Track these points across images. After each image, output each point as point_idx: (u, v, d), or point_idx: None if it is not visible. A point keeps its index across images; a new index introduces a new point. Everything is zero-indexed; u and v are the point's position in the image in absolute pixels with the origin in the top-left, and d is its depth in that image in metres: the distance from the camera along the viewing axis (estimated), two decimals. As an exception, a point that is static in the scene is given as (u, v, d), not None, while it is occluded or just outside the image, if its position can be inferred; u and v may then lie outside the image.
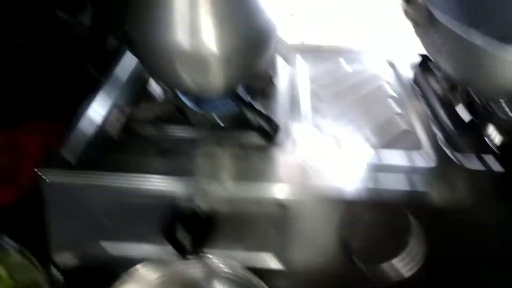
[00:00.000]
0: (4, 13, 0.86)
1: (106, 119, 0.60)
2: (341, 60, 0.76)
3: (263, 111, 0.60)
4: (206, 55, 0.50)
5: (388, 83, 0.71)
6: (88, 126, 0.59)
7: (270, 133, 0.58)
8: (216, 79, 0.54)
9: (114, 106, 0.62)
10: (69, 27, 0.88)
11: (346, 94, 0.68)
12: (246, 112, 0.59)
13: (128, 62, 0.72)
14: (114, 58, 0.89)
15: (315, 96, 0.67)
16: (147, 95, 0.65)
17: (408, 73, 0.73)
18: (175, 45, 0.49)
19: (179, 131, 0.59)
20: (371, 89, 0.69)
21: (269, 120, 0.58)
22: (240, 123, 0.59)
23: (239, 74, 0.56)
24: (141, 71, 0.68)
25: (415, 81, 0.72)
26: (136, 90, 0.66)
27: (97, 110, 0.61)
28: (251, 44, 0.53)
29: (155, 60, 0.54)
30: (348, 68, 0.74)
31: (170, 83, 0.59)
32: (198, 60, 0.50)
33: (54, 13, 0.86)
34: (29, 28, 0.89)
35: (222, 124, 0.59)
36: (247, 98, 0.62)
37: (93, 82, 0.93)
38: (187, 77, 0.53)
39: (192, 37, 0.49)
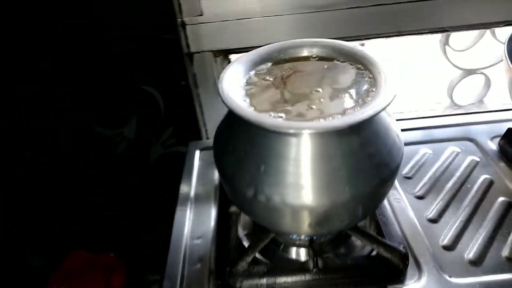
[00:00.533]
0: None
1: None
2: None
3: (386, 241, 0.53)
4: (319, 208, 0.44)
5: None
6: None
7: (397, 265, 0.51)
8: (333, 225, 0.48)
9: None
10: (110, 142, 0.81)
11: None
12: (367, 244, 0.53)
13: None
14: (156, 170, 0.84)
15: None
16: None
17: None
18: (295, 202, 0.43)
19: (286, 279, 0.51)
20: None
21: (395, 250, 0.52)
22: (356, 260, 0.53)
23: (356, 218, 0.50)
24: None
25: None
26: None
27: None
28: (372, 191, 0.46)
29: (265, 214, 0.47)
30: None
31: (278, 230, 0.52)
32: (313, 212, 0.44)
33: (93, 130, 0.79)
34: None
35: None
36: (366, 229, 0.56)
37: (136, 195, 0.88)
38: (303, 226, 0.46)
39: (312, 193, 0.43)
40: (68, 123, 0.79)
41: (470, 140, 0.73)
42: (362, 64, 0.49)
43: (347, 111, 0.42)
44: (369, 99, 0.43)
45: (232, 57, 0.81)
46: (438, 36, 0.87)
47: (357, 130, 0.42)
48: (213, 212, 0.64)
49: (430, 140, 0.74)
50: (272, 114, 0.42)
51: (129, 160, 0.84)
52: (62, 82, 0.74)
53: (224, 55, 0.78)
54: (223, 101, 0.43)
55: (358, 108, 0.42)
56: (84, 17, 0.68)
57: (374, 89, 0.44)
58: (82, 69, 0.73)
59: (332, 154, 0.42)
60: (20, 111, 0.76)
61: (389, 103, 0.41)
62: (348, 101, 0.44)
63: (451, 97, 1.00)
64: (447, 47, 0.92)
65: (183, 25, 0.73)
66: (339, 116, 0.41)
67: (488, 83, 0.95)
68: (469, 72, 0.94)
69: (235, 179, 0.46)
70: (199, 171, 0.71)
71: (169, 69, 0.74)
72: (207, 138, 0.86)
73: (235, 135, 0.47)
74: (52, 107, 0.76)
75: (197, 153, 0.75)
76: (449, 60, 0.94)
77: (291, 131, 0.39)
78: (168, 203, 0.66)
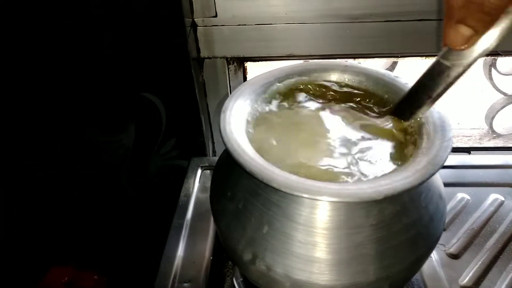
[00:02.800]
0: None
1: None
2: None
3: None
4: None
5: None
6: None
7: None
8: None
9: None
10: (107, 149, 0.73)
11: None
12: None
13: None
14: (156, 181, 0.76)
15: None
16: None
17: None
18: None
19: None
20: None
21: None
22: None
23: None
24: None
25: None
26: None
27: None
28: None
29: (264, 283, 0.37)
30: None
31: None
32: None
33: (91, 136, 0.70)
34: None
35: None
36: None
37: (130, 207, 0.80)
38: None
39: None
40: (62, 127, 0.70)
41: (517, 187, 0.62)
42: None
43: (382, 172, 0.31)
44: (410, 157, 0.33)
45: (248, 65, 0.71)
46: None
47: (391, 196, 0.31)
48: (208, 249, 0.55)
49: (468, 182, 0.63)
50: (283, 166, 0.32)
51: (126, 170, 0.75)
52: (59, 84, 0.65)
53: (238, 63, 0.69)
54: (222, 140, 0.34)
55: (397, 169, 0.32)
56: (81, 16, 0.59)
57: (420, 140, 0.34)
58: (78, 71, 0.64)
59: (357, 224, 0.32)
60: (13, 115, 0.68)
61: (443, 164, 0.31)
62: (383, 158, 0.34)
63: (490, 125, 0.90)
64: (493, 69, 0.81)
65: (194, 26, 0.64)
66: (371, 179, 0.31)
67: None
68: (515, 98, 0.83)
69: (231, 235, 0.36)
70: (197, 194, 0.63)
71: (174, 75, 0.64)
72: (214, 155, 0.77)
73: (235, 177, 0.37)
74: (46, 108, 0.68)
75: (199, 172, 0.66)
76: (493, 84, 0.84)
77: (306, 195, 0.29)
78: (162, 221, 0.58)
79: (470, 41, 0.31)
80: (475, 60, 0.32)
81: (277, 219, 0.33)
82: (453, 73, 0.33)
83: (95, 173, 0.75)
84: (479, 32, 0.30)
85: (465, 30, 0.30)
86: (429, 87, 0.34)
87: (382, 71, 0.41)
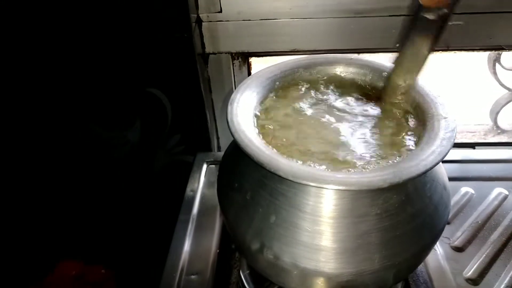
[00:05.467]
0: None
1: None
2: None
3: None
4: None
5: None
6: None
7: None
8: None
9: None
10: (111, 146, 0.73)
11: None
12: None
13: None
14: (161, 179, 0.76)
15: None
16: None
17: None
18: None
19: None
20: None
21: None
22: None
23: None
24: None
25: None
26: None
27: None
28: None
29: (272, 272, 0.38)
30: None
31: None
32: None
33: (96, 131, 0.71)
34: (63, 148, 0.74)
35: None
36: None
37: (136, 203, 0.80)
38: None
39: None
40: (68, 123, 0.71)
41: (521, 181, 0.62)
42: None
43: (387, 161, 0.32)
44: (413, 147, 0.33)
45: (253, 61, 0.71)
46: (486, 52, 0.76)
47: (396, 185, 0.32)
48: (214, 243, 0.55)
49: (473, 177, 0.63)
50: (289, 156, 0.33)
51: (132, 165, 0.76)
52: (64, 80, 0.66)
53: (243, 58, 0.69)
54: (230, 131, 0.34)
55: (403, 157, 0.32)
56: (86, 11, 0.59)
57: (423, 131, 0.34)
58: (83, 67, 0.65)
59: (362, 213, 0.32)
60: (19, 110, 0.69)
61: (446, 154, 0.31)
62: (388, 146, 0.34)
63: (494, 120, 0.89)
64: (497, 64, 0.81)
65: (199, 21, 0.64)
66: (377, 168, 0.31)
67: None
68: (520, 94, 0.83)
69: (239, 226, 0.37)
70: (203, 189, 0.63)
71: (179, 71, 0.65)
72: (219, 150, 0.78)
73: (243, 168, 0.38)
74: (52, 104, 0.68)
75: (204, 167, 0.67)
76: (498, 79, 0.84)
77: (312, 184, 0.29)
78: (168, 216, 0.58)
79: None
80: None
81: (284, 208, 0.34)
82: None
83: (101, 168, 0.76)
84: None
85: None
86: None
87: (387, 64, 0.42)
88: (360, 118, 0.38)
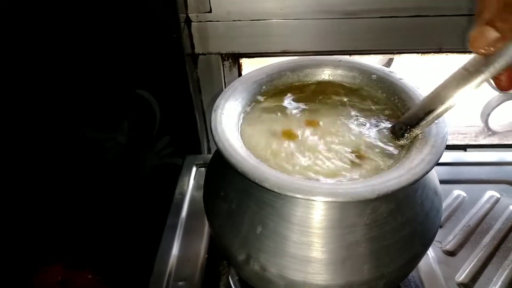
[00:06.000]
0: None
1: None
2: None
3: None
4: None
5: None
6: None
7: None
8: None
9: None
10: (101, 147, 0.72)
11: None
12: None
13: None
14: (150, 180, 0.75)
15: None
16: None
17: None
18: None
19: None
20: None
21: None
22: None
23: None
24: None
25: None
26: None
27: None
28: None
29: (259, 283, 0.37)
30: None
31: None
32: None
33: (84, 133, 0.70)
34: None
35: None
36: None
37: (125, 205, 0.79)
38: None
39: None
40: (55, 124, 0.69)
41: (512, 184, 0.62)
42: (399, 99, 0.38)
43: (376, 170, 0.31)
44: (403, 153, 0.32)
45: (243, 61, 0.70)
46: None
47: (384, 194, 0.31)
48: (203, 248, 0.54)
49: (464, 179, 0.63)
50: (274, 165, 0.32)
51: (120, 167, 0.75)
52: (51, 82, 0.64)
53: (233, 59, 0.68)
54: (213, 139, 0.33)
55: (391, 167, 0.31)
56: (73, 12, 0.58)
57: (418, 136, 0.33)
58: (70, 69, 0.63)
59: (351, 223, 0.31)
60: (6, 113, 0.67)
61: (437, 161, 0.30)
62: (375, 153, 0.33)
63: (485, 122, 0.89)
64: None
65: (188, 21, 0.63)
66: (365, 178, 0.30)
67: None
68: (511, 96, 0.82)
69: (225, 235, 0.36)
70: (192, 192, 0.62)
71: (168, 72, 0.64)
72: (209, 152, 0.76)
73: (228, 177, 0.37)
74: (39, 106, 0.67)
75: (194, 170, 0.66)
76: (489, 81, 0.83)
77: (299, 196, 0.28)
78: (157, 219, 0.57)
79: (493, 44, 0.29)
80: (494, 69, 0.30)
81: (271, 219, 0.33)
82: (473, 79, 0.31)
83: (88, 170, 0.74)
84: (506, 36, 0.28)
85: (491, 33, 0.29)
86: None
87: (376, 66, 0.41)
88: (349, 124, 0.37)
